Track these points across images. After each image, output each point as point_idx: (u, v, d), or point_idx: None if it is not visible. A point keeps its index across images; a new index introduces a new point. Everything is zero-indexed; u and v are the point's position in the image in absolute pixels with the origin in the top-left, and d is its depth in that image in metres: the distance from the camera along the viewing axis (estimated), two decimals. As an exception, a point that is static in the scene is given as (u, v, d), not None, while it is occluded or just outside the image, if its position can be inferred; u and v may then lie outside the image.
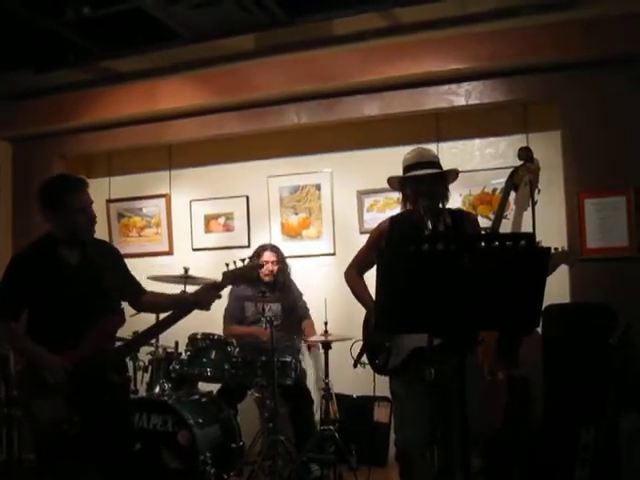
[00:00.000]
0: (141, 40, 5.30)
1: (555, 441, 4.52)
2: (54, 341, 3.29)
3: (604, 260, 5.05)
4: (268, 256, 5.73)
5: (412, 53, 5.39)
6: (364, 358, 3.98)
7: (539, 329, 4.74)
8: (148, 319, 4.13)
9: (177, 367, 5.02)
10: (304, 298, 5.86)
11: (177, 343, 5.26)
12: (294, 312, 5.75)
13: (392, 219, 3.98)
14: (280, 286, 5.73)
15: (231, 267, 3.75)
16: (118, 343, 3.79)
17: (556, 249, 4.71)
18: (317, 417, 5.56)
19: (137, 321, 4.04)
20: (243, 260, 3.83)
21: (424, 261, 2.52)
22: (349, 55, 5.55)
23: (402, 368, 3.70)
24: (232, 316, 5.68)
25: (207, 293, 3.69)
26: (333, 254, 6.13)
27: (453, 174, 3.90)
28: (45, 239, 3.48)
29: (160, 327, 3.72)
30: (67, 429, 3.24)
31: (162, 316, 3.76)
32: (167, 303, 3.80)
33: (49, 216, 3.44)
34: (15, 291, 3.38)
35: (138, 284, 3.78)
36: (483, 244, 2.53)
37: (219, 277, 5.60)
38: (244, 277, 3.87)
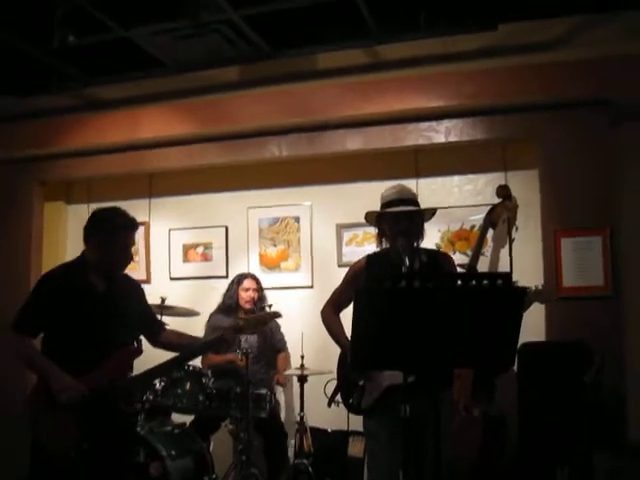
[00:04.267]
0: (125, 68, 5.33)
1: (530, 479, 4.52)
2: (69, 364, 3.31)
3: (580, 299, 5.09)
4: (249, 283, 5.73)
5: (394, 89, 5.46)
6: (338, 397, 3.97)
7: (515, 366, 4.76)
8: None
9: (151, 397, 4.96)
10: (282, 330, 5.84)
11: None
12: (271, 344, 5.73)
13: (369, 257, 3.98)
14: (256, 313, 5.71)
15: (250, 315, 3.84)
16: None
17: (530, 288, 4.73)
18: (291, 451, 5.52)
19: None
20: (263, 308, 3.86)
21: (401, 299, 2.52)
22: (331, 89, 5.61)
23: (376, 407, 3.68)
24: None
25: (226, 338, 3.78)
26: (311, 287, 6.13)
27: (430, 213, 3.93)
28: (78, 263, 3.54)
29: (175, 364, 3.77)
30: (74, 456, 3.22)
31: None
32: (184, 342, 3.87)
33: (92, 243, 3.51)
34: (40, 308, 3.41)
35: (158, 321, 3.89)
36: (460, 283, 2.54)
37: (196, 306, 5.64)
38: (265, 323, 3.94)
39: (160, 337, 3.80)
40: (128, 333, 3.56)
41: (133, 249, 6.46)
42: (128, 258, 3.58)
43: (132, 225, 3.58)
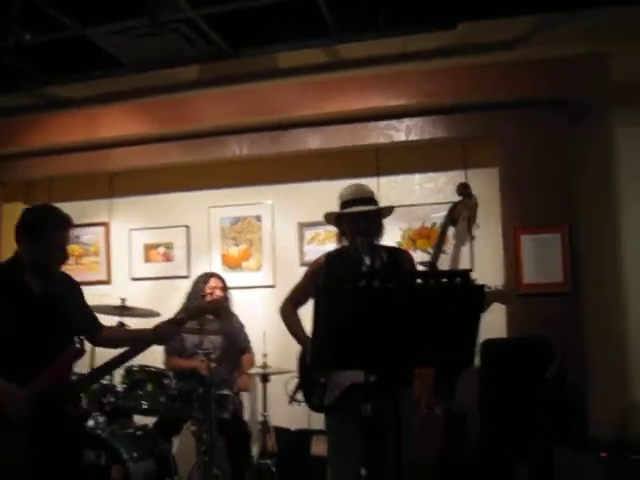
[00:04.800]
0: (84, 67, 5.27)
1: (491, 476, 4.55)
2: (9, 369, 3.17)
3: (540, 295, 5.15)
4: (215, 282, 5.69)
5: (354, 88, 5.48)
6: (300, 395, 3.96)
7: (476, 363, 4.79)
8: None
9: (112, 400, 4.91)
10: (245, 330, 5.82)
11: (112, 375, 5.17)
12: (235, 344, 5.70)
13: (328, 255, 3.98)
14: (222, 315, 5.68)
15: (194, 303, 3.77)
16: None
17: (490, 288, 4.76)
18: (255, 451, 5.51)
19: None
20: (203, 296, 3.82)
21: (361, 298, 2.52)
22: (291, 88, 5.61)
23: (337, 405, 3.69)
24: (172, 348, 5.61)
25: (167, 328, 3.68)
26: (273, 286, 6.12)
27: (387, 211, 3.94)
28: (12, 263, 3.42)
29: (119, 361, 3.68)
30: (24, 464, 3.14)
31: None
32: (125, 338, 3.77)
33: (25, 243, 3.39)
34: None
35: (96, 318, 3.76)
36: (419, 281, 2.55)
37: (157, 307, 5.60)
38: (205, 313, 3.87)
39: (100, 335, 3.71)
40: (68, 333, 3.46)
41: (93, 249, 6.56)
42: (63, 257, 3.45)
43: (65, 223, 3.45)
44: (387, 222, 3.97)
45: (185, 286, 5.85)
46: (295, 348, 4.00)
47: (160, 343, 3.65)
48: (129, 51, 4.94)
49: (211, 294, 5.54)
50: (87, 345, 3.80)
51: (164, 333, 3.67)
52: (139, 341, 3.66)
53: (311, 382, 3.82)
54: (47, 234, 3.36)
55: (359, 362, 2.74)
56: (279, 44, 4.88)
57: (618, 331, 5.19)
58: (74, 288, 3.68)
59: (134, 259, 6.55)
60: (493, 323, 4.77)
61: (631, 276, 5.22)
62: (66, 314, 3.43)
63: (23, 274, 3.37)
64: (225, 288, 5.77)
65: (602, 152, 5.31)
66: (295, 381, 4.04)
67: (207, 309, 3.93)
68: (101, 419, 4.90)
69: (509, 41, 5.05)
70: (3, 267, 3.43)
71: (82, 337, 3.59)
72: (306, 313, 3.80)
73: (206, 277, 5.77)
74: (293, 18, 4.64)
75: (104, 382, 5.04)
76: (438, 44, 5.05)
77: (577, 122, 5.28)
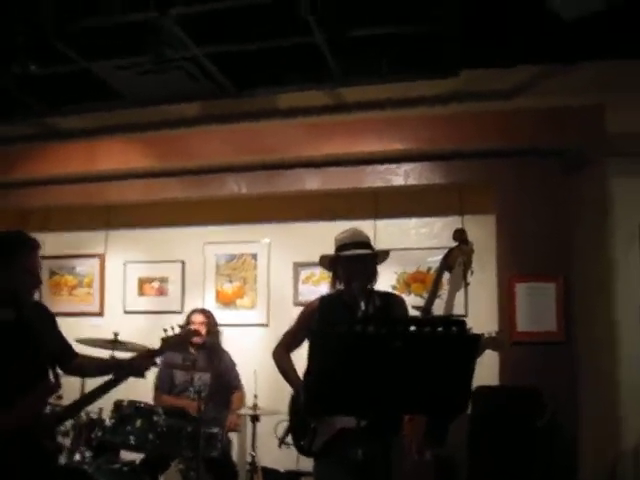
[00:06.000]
0: (85, 99, 5.29)
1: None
2: None
3: (533, 344, 5.14)
4: (195, 317, 5.71)
5: (354, 131, 5.52)
6: (289, 438, 3.93)
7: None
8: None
9: (99, 434, 4.86)
10: (237, 369, 5.79)
11: (101, 409, 5.11)
12: (225, 382, 5.67)
13: (322, 299, 3.97)
14: (209, 351, 5.66)
15: (169, 333, 3.70)
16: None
17: (483, 335, 4.74)
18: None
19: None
20: (181, 326, 3.79)
21: (355, 343, 2.51)
22: (292, 129, 5.64)
23: (326, 450, 3.66)
24: (162, 385, 5.58)
25: (143, 360, 3.62)
26: (266, 325, 6.10)
27: (383, 255, 3.95)
28: None
29: (96, 394, 3.60)
30: None
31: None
32: (99, 368, 3.69)
33: None
34: None
35: (70, 347, 3.66)
36: (414, 328, 2.55)
37: (150, 341, 5.55)
38: (182, 343, 3.83)
39: (73, 364, 3.60)
40: (41, 364, 3.35)
41: (87, 280, 6.55)
42: (34, 281, 3.37)
43: (32, 245, 3.36)
44: (383, 265, 3.97)
45: (178, 321, 5.83)
46: (286, 389, 3.97)
47: (136, 375, 3.57)
48: (132, 86, 4.97)
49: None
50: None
51: (139, 364, 3.58)
52: (115, 372, 3.56)
53: (302, 426, 3.79)
54: (15, 259, 3.29)
55: (351, 408, 2.72)
56: (282, 85, 4.91)
57: (610, 381, 5.18)
58: (48, 317, 3.59)
59: (128, 292, 6.55)
60: (485, 370, 4.75)
61: (624, 327, 5.22)
62: (39, 343, 3.34)
63: None
64: (214, 324, 5.76)
65: (598, 202, 5.34)
66: (285, 424, 4.01)
67: (184, 338, 3.87)
68: (87, 453, 4.85)
69: (509, 90, 5.10)
70: None
71: (58, 370, 3.51)
72: (298, 357, 3.80)
73: (190, 313, 5.78)
74: (297, 60, 4.67)
75: (92, 415, 5.01)
76: (439, 90, 5.10)
77: (574, 172, 5.31)
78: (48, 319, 3.59)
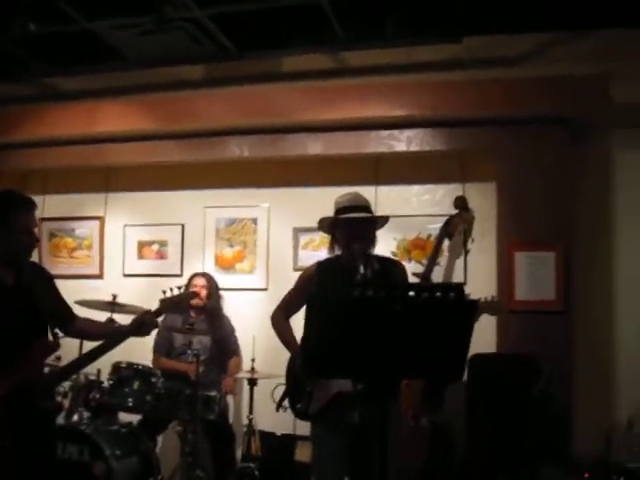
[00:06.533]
0: (87, 60, 5.27)
1: (473, 490, 4.55)
2: None
3: (531, 312, 5.15)
4: (196, 280, 5.72)
5: (357, 96, 5.48)
6: (286, 402, 3.95)
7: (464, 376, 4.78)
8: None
9: (97, 396, 4.89)
10: (236, 334, 5.81)
11: (99, 371, 5.14)
12: (224, 346, 5.69)
13: (320, 264, 3.97)
14: (210, 315, 5.67)
15: (168, 294, 3.73)
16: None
17: (480, 299, 4.75)
18: (238, 454, 5.49)
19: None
20: (179, 288, 3.81)
21: (353, 307, 2.51)
22: (295, 93, 5.60)
23: (323, 413, 3.67)
24: (161, 347, 5.60)
25: (143, 321, 3.63)
26: (265, 289, 6.11)
27: (383, 220, 3.94)
28: None
29: (94, 354, 3.61)
30: None
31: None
32: (100, 330, 3.73)
33: None
34: None
35: (70, 309, 3.69)
36: (412, 293, 2.54)
37: (149, 304, 5.56)
38: (181, 305, 3.85)
39: (74, 327, 3.65)
40: (42, 325, 3.41)
41: (86, 242, 6.54)
42: (32, 241, 3.40)
43: (28, 205, 3.39)
44: (382, 231, 3.97)
45: (176, 284, 5.83)
46: (284, 353, 3.99)
47: (138, 334, 3.59)
48: (134, 47, 4.95)
49: (199, 295, 5.55)
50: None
51: (140, 325, 3.60)
52: (116, 333, 3.62)
53: (298, 390, 3.81)
54: (12, 218, 3.30)
55: (349, 371, 2.73)
56: (285, 48, 4.89)
57: (606, 352, 5.20)
58: (47, 279, 3.61)
59: (127, 255, 6.53)
60: (483, 338, 4.77)
61: (622, 298, 5.23)
62: (39, 305, 3.37)
63: None
64: (215, 288, 5.78)
65: (600, 172, 5.33)
66: (282, 388, 4.03)
67: (184, 300, 3.89)
68: (86, 414, 4.89)
69: (513, 57, 5.06)
70: None
71: (56, 330, 3.53)
72: (296, 322, 3.80)
73: (191, 277, 5.79)
74: (300, 23, 4.64)
75: (91, 377, 5.04)
76: (443, 57, 5.07)
77: (578, 141, 5.28)
78: (47, 280, 3.62)
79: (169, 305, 3.75)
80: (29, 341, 3.28)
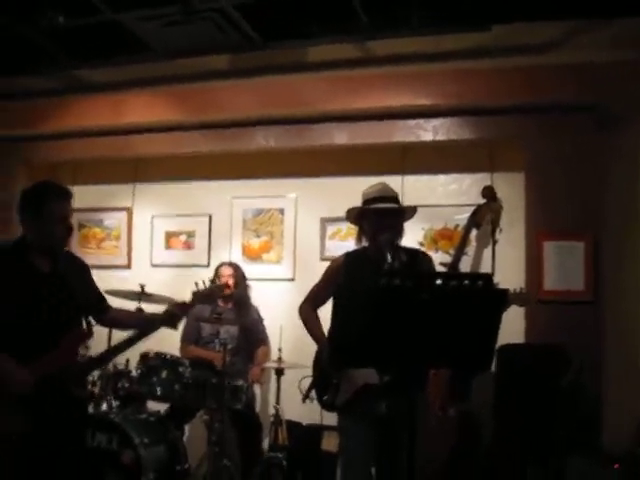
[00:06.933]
0: (114, 52, 5.28)
1: (502, 480, 4.53)
2: (17, 350, 3.19)
3: (560, 303, 5.10)
4: (223, 270, 5.74)
5: (383, 86, 5.46)
6: (313, 393, 3.95)
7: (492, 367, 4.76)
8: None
9: (126, 385, 4.93)
10: (264, 323, 5.82)
11: (128, 360, 5.18)
12: (251, 336, 5.71)
13: (347, 255, 3.96)
14: (237, 304, 5.69)
15: (200, 287, 3.79)
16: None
17: (509, 290, 4.71)
18: (265, 443, 5.51)
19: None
20: (212, 281, 3.86)
21: (381, 296, 2.50)
22: (321, 83, 5.59)
23: (350, 405, 3.67)
24: (189, 337, 5.63)
25: (175, 312, 3.72)
26: (292, 280, 6.11)
27: (411, 211, 3.92)
28: (18, 244, 3.41)
29: (126, 344, 3.70)
30: (26, 443, 3.13)
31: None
32: (132, 320, 3.81)
33: (27, 221, 3.39)
34: None
35: (104, 299, 3.76)
36: (440, 282, 2.53)
37: (176, 294, 5.60)
38: (212, 297, 3.89)
39: (107, 316, 3.71)
40: (76, 314, 3.45)
41: (115, 233, 6.60)
42: (67, 230, 3.42)
43: (64, 194, 3.43)
44: (410, 222, 3.96)
45: (205, 275, 5.86)
46: (310, 344, 3.99)
47: (168, 326, 3.66)
48: (160, 38, 4.95)
49: (227, 284, 5.56)
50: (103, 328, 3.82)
51: (172, 316, 3.70)
52: (148, 324, 3.70)
53: (325, 381, 3.81)
54: (47, 208, 3.34)
55: (376, 361, 2.72)
56: (310, 38, 4.86)
57: (637, 342, 5.13)
58: (82, 268, 3.66)
59: (155, 246, 6.58)
60: (511, 328, 4.73)
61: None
62: (74, 294, 3.42)
63: (30, 254, 3.37)
64: (242, 277, 5.80)
65: (629, 160, 5.24)
66: (309, 380, 4.03)
67: (215, 293, 3.95)
68: (114, 403, 4.94)
69: (540, 45, 5.00)
70: (10, 248, 3.41)
71: (90, 319, 3.58)
72: (324, 314, 3.80)
73: (218, 267, 5.82)
74: (325, 12, 4.62)
75: (119, 367, 5.08)
76: (470, 45, 5.02)
77: (606, 130, 5.21)
78: (82, 270, 3.67)
79: (200, 298, 3.81)
80: (64, 329, 3.33)
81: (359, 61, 5.33)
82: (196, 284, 3.79)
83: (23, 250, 3.38)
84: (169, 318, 3.70)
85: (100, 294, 3.74)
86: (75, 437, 3.43)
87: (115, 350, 3.73)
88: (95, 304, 3.67)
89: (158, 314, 3.78)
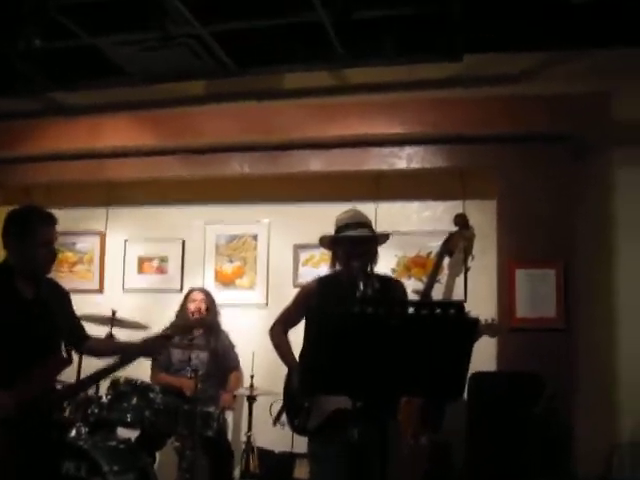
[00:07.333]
0: (91, 75, 5.29)
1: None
2: (0, 373, 3.18)
3: (532, 330, 5.14)
4: (195, 295, 5.71)
5: (358, 113, 5.49)
6: (284, 417, 3.93)
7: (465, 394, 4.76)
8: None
9: (96, 411, 4.86)
10: (235, 350, 5.79)
11: (98, 386, 5.13)
12: (223, 362, 5.67)
13: (320, 279, 3.97)
14: (208, 330, 5.66)
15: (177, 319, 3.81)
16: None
17: (481, 320, 4.73)
18: (237, 471, 5.46)
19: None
20: (181, 305, 3.85)
21: (353, 324, 2.50)
22: (296, 110, 5.62)
23: (321, 430, 3.65)
24: (160, 363, 5.58)
25: (155, 343, 3.71)
26: (265, 305, 6.10)
27: (384, 237, 3.94)
28: (1, 269, 3.40)
29: (104, 373, 3.70)
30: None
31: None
32: (111, 350, 3.78)
33: (11, 245, 3.39)
34: None
35: (83, 328, 3.75)
36: (412, 310, 2.53)
37: (148, 319, 5.58)
38: (192, 329, 3.89)
39: (85, 344, 3.69)
40: (56, 341, 3.45)
41: (87, 257, 6.55)
42: (51, 255, 3.43)
43: (49, 219, 3.44)
44: (383, 248, 3.96)
45: (177, 300, 5.84)
46: (283, 370, 3.97)
47: (147, 356, 3.66)
48: (137, 62, 4.97)
49: (199, 310, 5.54)
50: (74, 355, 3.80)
51: (151, 347, 3.70)
52: (125, 353, 3.67)
53: (296, 405, 3.79)
54: (32, 232, 3.35)
55: (348, 388, 2.72)
56: (286, 65, 4.91)
57: (608, 369, 5.18)
58: (63, 296, 3.67)
59: (128, 270, 6.54)
60: (483, 356, 4.74)
61: (623, 315, 5.21)
62: (55, 321, 3.42)
63: (13, 279, 3.36)
64: (213, 303, 5.77)
65: (601, 190, 5.32)
66: (280, 403, 4.02)
67: (194, 325, 3.96)
68: (83, 430, 4.86)
69: (514, 75, 5.09)
70: None
71: (69, 346, 3.56)
72: (295, 336, 3.79)
73: (188, 292, 5.80)
74: (301, 40, 4.66)
75: (89, 392, 5.02)
76: (444, 74, 5.09)
77: (578, 159, 5.29)
78: (63, 297, 3.68)
79: (179, 330, 3.80)
80: (44, 355, 3.32)
81: (334, 89, 5.39)
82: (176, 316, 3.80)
83: (6, 274, 3.36)
84: (147, 349, 3.70)
85: (79, 322, 3.74)
86: (51, 461, 3.40)
87: (93, 378, 3.72)
88: (75, 332, 3.66)
89: (136, 344, 3.76)
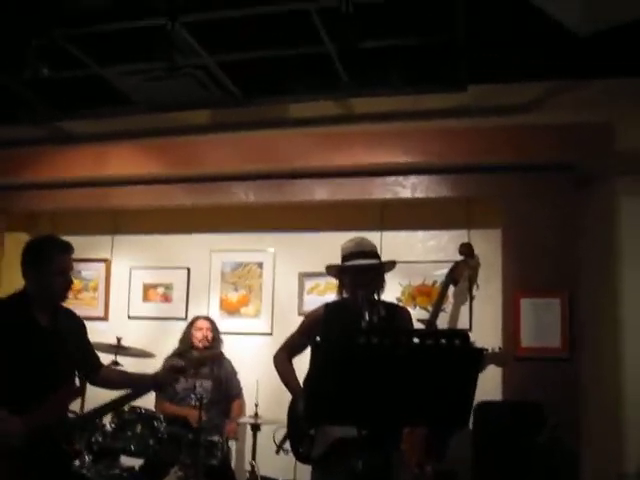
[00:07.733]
0: (97, 104, 5.34)
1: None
2: (14, 401, 3.19)
3: (537, 359, 5.11)
4: (201, 323, 5.73)
5: (363, 143, 5.51)
6: (288, 445, 3.92)
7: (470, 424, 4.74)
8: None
9: (100, 439, 4.85)
10: (238, 377, 5.78)
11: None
12: (226, 390, 5.66)
13: (327, 306, 3.98)
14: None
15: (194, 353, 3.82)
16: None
17: (486, 350, 4.73)
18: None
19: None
20: (185, 333, 3.84)
21: (358, 353, 2.51)
22: (302, 139, 5.65)
23: (325, 458, 3.64)
24: (164, 391, 5.56)
25: (168, 376, 3.75)
26: (270, 334, 6.09)
27: (390, 265, 3.95)
28: (19, 297, 3.45)
29: (117, 403, 3.72)
30: None
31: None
32: (123, 381, 3.79)
33: (28, 274, 3.44)
34: None
35: (97, 358, 3.78)
36: (417, 340, 2.54)
37: (153, 347, 5.57)
38: (205, 364, 3.90)
39: (99, 375, 3.72)
40: (70, 370, 3.49)
41: (92, 284, 6.56)
42: (67, 283, 3.47)
43: (66, 248, 3.49)
44: (388, 277, 3.98)
45: (182, 328, 5.84)
46: (287, 398, 3.97)
47: (158, 390, 3.67)
48: (142, 92, 5.01)
49: (205, 338, 5.55)
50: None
51: (164, 381, 3.74)
52: (138, 386, 3.69)
53: (299, 433, 3.78)
54: (48, 260, 3.40)
55: (353, 417, 2.71)
56: (291, 94, 4.94)
57: (614, 399, 5.15)
58: (79, 325, 3.71)
59: (133, 298, 6.54)
60: (488, 385, 4.73)
61: (629, 345, 5.19)
62: (70, 350, 3.46)
63: (31, 308, 3.40)
64: (215, 330, 5.78)
65: (605, 219, 5.33)
66: (284, 430, 4.00)
67: (208, 359, 3.98)
68: (87, 458, 4.84)
69: (519, 105, 5.11)
70: (11, 301, 3.46)
71: (81, 375, 3.58)
72: (299, 363, 3.79)
73: (193, 319, 5.82)
74: (307, 70, 4.70)
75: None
76: (449, 104, 5.12)
77: (582, 188, 5.30)
78: (79, 326, 3.71)
79: (193, 364, 3.82)
80: (58, 384, 3.34)
81: (339, 118, 5.42)
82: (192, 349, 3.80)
83: (24, 303, 3.41)
84: (160, 382, 3.72)
85: (94, 353, 3.77)
86: None
87: (106, 408, 3.73)
88: (89, 361, 3.69)
89: (149, 376, 3.79)
